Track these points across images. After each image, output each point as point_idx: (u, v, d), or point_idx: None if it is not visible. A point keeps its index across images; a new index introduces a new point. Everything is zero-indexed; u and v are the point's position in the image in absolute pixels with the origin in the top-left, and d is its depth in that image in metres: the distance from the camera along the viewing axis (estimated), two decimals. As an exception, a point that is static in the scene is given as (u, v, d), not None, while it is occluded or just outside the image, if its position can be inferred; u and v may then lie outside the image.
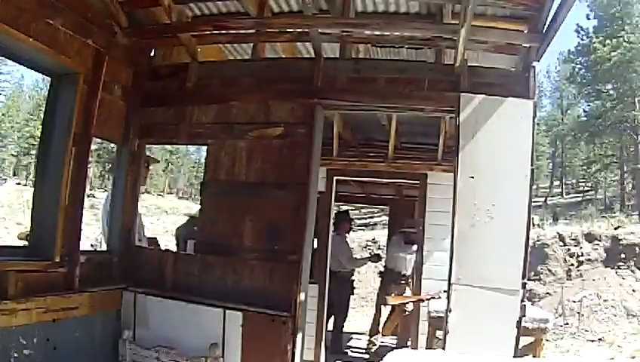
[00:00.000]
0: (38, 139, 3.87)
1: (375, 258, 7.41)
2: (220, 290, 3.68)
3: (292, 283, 3.55)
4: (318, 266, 5.45)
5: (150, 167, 4.52)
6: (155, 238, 4.83)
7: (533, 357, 3.82)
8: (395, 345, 6.27)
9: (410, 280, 6.41)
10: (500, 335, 3.22)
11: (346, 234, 7.01)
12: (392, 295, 6.28)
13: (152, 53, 4.34)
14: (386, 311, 6.93)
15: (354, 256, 7.40)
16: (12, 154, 37.01)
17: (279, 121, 3.84)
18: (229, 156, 3.92)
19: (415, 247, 6.07)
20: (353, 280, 6.91)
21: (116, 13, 3.73)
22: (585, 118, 32.57)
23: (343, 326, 6.66)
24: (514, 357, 3.19)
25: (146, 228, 4.65)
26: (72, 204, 3.42)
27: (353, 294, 6.93)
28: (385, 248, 9.22)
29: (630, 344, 11.33)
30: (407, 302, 5.93)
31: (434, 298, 4.76)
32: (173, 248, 5.22)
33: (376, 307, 7.05)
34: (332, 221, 6.08)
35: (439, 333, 3.91)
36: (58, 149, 3.40)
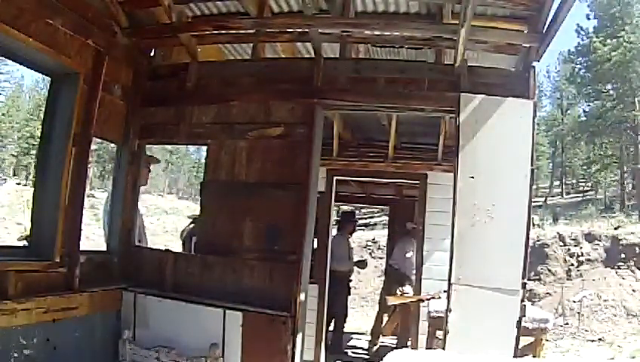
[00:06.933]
0: (38, 139, 3.87)
1: (361, 264, 7.35)
2: (220, 290, 3.67)
3: (292, 283, 3.55)
4: (318, 266, 5.45)
5: (151, 168, 4.51)
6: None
7: (533, 357, 3.82)
8: (395, 345, 6.27)
9: (413, 279, 6.40)
10: (499, 335, 3.22)
11: (348, 235, 7.02)
12: (398, 293, 6.28)
13: (152, 53, 4.33)
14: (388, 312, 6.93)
15: (351, 257, 7.38)
16: (12, 154, 36.96)
17: (279, 121, 3.83)
18: (229, 156, 3.92)
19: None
20: (350, 280, 6.92)
21: (116, 13, 3.73)
22: (585, 118, 32.56)
23: (344, 327, 6.66)
24: (514, 357, 3.19)
25: (146, 229, 4.64)
26: (72, 204, 3.42)
27: (350, 294, 6.94)
28: (385, 248, 9.22)
29: (630, 344, 11.34)
30: (407, 302, 5.93)
31: (434, 298, 4.77)
32: (178, 250, 5.16)
33: (379, 309, 7.01)
34: (336, 220, 6.05)
35: (439, 333, 3.91)
36: (58, 149, 3.40)
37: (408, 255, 6.49)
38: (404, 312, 6.33)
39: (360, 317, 11.74)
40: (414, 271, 6.34)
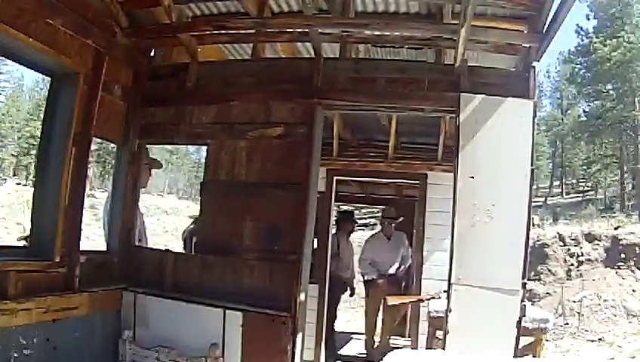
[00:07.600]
0: (38, 139, 3.87)
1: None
2: (220, 290, 3.67)
3: (292, 283, 3.55)
4: (318, 266, 5.45)
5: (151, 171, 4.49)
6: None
7: (533, 357, 3.82)
8: (395, 345, 6.27)
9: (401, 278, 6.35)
10: (499, 335, 3.22)
11: (346, 235, 7.00)
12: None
13: (152, 53, 4.33)
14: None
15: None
16: (12, 154, 36.94)
17: (279, 121, 3.83)
18: (229, 156, 3.92)
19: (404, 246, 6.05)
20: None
21: (116, 13, 3.72)
22: (585, 118, 32.62)
23: (334, 325, 6.64)
24: (514, 357, 3.19)
25: (147, 229, 4.64)
26: (72, 204, 3.42)
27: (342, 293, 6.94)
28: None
29: (630, 344, 11.34)
30: (408, 302, 5.91)
31: (434, 298, 4.76)
32: (178, 250, 5.16)
33: (366, 312, 6.94)
34: (335, 219, 6.01)
35: (439, 333, 3.91)
36: (58, 149, 3.39)
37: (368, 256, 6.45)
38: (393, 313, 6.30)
39: (360, 317, 11.71)
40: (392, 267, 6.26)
